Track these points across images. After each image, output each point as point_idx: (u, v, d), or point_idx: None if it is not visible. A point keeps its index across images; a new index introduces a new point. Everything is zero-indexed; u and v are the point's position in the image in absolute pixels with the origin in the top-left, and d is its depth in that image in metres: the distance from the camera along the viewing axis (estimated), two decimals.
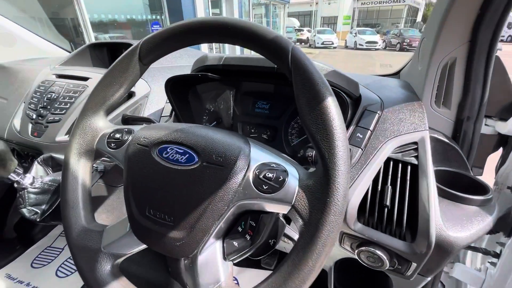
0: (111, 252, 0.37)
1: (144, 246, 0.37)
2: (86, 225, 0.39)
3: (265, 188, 0.31)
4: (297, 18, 26.22)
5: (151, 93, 0.69)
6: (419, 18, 26.39)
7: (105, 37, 6.01)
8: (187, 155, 0.34)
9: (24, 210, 0.56)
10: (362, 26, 24.00)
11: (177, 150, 0.35)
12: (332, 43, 16.50)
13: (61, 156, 0.65)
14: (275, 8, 13.92)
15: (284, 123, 0.63)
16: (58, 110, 0.69)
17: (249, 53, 0.54)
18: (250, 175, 0.32)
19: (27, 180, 0.55)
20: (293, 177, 0.31)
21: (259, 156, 0.34)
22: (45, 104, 0.71)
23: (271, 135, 0.67)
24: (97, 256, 0.37)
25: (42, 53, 1.38)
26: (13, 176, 0.51)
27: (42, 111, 0.70)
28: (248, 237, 0.34)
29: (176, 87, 0.65)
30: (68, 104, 0.69)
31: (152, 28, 6.72)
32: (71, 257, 1.32)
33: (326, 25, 27.18)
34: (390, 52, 14.06)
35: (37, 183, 0.56)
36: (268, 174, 0.31)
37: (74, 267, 1.25)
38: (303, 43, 19.09)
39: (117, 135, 0.41)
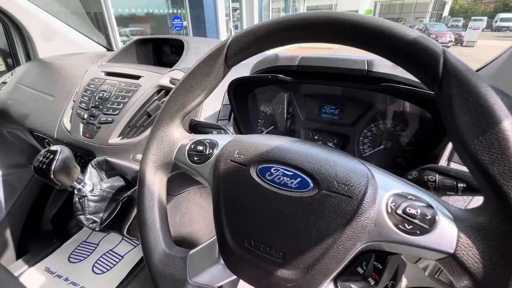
0: (199, 284, 0.33)
1: (235, 277, 0.33)
2: (167, 250, 0.35)
3: (408, 228, 0.25)
4: None
5: None
6: (445, 12, 25.10)
7: (125, 31, 6.08)
8: (299, 179, 0.29)
9: (82, 218, 0.53)
10: None
11: (285, 172, 0.29)
12: None
13: (116, 160, 0.62)
14: (294, 1, 13.64)
15: (358, 132, 0.57)
16: (111, 110, 0.66)
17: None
18: (383, 209, 0.26)
19: (87, 188, 0.52)
20: (444, 215, 0.25)
21: (386, 183, 0.28)
22: (96, 103, 0.68)
23: (340, 143, 0.60)
24: None
25: (80, 48, 1.37)
26: (75, 184, 0.48)
27: (94, 111, 0.67)
28: (373, 282, 0.28)
29: (238, 89, 0.60)
30: (121, 105, 0.65)
31: (173, 22, 6.74)
32: (106, 254, 1.33)
33: None
34: None
35: (96, 190, 0.53)
36: (409, 210, 0.25)
37: (110, 264, 1.25)
38: None
39: (200, 147, 0.36)
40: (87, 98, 0.71)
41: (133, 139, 0.63)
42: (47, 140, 0.83)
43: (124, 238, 1.39)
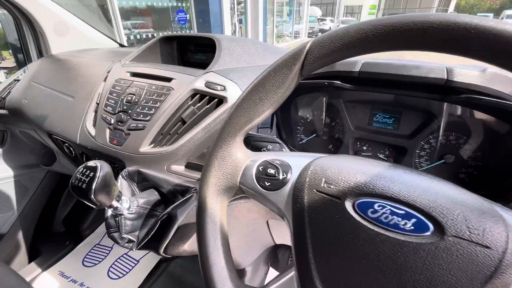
0: None
1: None
2: None
3: None
4: (319, 7, 25.27)
5: None
6: (451, 8, 24.76)
7: (127, 24, 5.97)
8: (414, 219, 0.24)
9: (117, 237, 0.49)
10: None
11: (394, 209, 0.24)
12: None
13: (149, 171, 0.57)
14: None
15: (416, 143, 0.52)
16: (141, 116, 0.61)
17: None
18: None
19: (125, 205, 0.47)
20: None
21: None
22: (124, 107, 0.63)
23: (393, 156, 0.55)
24: None
25: (93, 44, 1.31)
26: (114, 203, 0.44)
27: (122, 116, 0.62)
28: None
29: None
30: (153, 110, 0.60)
31: (178, 16, 6.62)
32: (121, 258, 1.30)
33: (350, 14, 26.09)
34: None
35: (133, 206, 0.48)
36: None
37: (126, 269, 1.21)
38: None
39: (270, 171, 0.32)
40: (113, 101, 0.66)
41: (167, 148, 0.58)
42: (67, 144, 0.78)
43: None
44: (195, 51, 0.85)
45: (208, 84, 0.60)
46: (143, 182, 0.58)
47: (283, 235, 0.80)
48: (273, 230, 0.78)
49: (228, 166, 0.33)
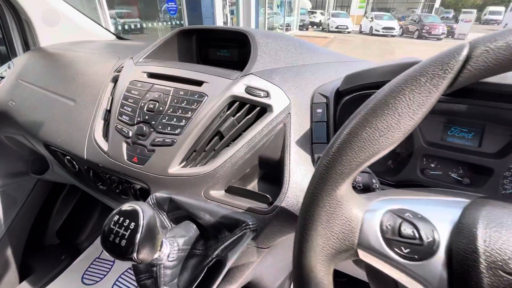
0: None
1: None
2: None
3: None
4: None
5: (292, 108, 0.50)
6: (437, 3, 25.17)
7: (112, 13, 5.63)
8: None
9: (150, 285, 0.39)
10: (376, 10, 23.01)
11: None
12: (347, 28, 15.76)
13: (183, 198, 0.46)
14: None
15: (508, 164, 0.44)
16: (169, 128, 0.50)
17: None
18: None
19: (165, 251, 0.37)
20: None
21: None
22: (146, 117, 0.52)
23: (470, 176, 0.48)
24: None
25: (87, 36, 1.16)
26: (157, 254, 0.33)
27: (143, 128, 0.51)
28: None
29: (351, 103, 0.46)
30: (183, 121, 0.49)
31: (168, 5, 6.32)
32: (126, 272, 1.18)
33: (339, 8, 26.08)
34: (409, 40, 13.44)
35: (173, 251, 0.38)
36: None
37: (133, 286, 1.11)
38: (315, 26, 18.37)
39: (406, 230, 0.22)
40: (130, 109, 0.54)
41: (204, 168, 0.47)
42: (69, 158, 0.66)
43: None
44: (217, 47, 0.74)
45: (249, 90, 0.50)
46: (174, 211, 0.48)
47: None
48: None
49: (339, 221, 0.24)
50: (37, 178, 1.17)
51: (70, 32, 1.11)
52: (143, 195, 0.57)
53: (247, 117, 0.50)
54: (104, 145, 0.56)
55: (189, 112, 0.50)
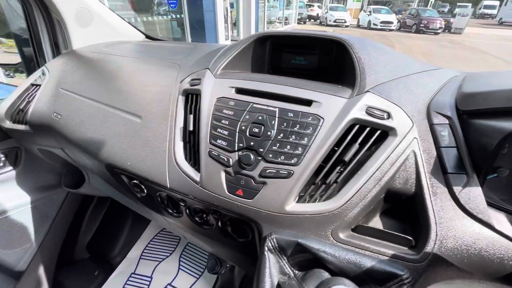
0: None
1: None
2: None
3: None
4: None
5: (415, 130, 0.43)
6: None
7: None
8: None
9: None
10: (373, 4, 22.86)
11: None
12: (345, 21, 15.61)
13: (315, 244, 0.40)
14: None
15: None
16: (282, 157, 0.43)
17: None
18: None
19: None
20: None
21: None
22: (251, 143, 0.45)
23: None
24: None
25: (118, 36, 1.07)
26: None
27: (250, 157, 0.44)
28: None
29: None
30: (299, 149, 0.42)
31: (169, 1, 6.12)
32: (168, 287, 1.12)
33: (336, 1, 25.86)
34: (406, 34, 13.40)
35: None
36: None
37: None
38: (312, 20, 18.18)
39: None
40: (226, 133, 0.47)
41: (328, 205, 0.41)
42: (136, 182, 0.58)
43: (181, 267, 1.18)
44: (292, 53, 0.66)
45: (370, 111, 0.44)
46: (296, 255, 0.42)
47: None
48: None
49: None
50: (67, 191, 1.08)
51: (102, 32, 1.02)
52: (238, 228, 0.50)
53: (370, 141, 0.43)
54: (193, 173, 0.49)
55: (305, 138, 0.43)
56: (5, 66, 1.03)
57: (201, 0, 6.66)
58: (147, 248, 1.26)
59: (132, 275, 1.16)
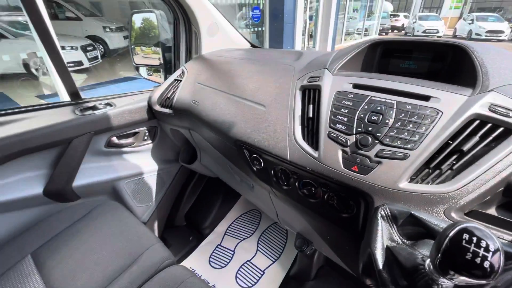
0: None
1: None
2: None
3: None
4: (391, 1, 23.08)
5: None
6: None
7: None
8: None
9: None
10: (477, 11, 19.66)
11: None
12: (437, 31, 13.93)
13: (426, 217, 0.45)
14: None
15: None
16: (399, 142, 0.50)
17: None
18: None
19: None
20: None
21: None
22: (369, 128, 0.53)
23: None
24: None
25: (231, 44, 1.29)
26: None
27: (368, 139, 0.52)
28: None
29: None
30: (417, 136, 0.49)
31: (253, 13, 6.69)
32: (245, 265, 1.27)
33: (427, 9, 23.29)
34: None
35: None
36: None
37: (253, 279, 1.17)
38: (396, 31, 16.84)
39: None
40: (345, 119, 0.57)
41: (442, 188, 0.45)
42: (256, 156, 0.73)
43: (259, 249, 1.31)
44: (401, 58, 0.72)
45: (493, 108, 0.46)
46: (406, 226, 0.48)
47: None
48: None
49: None
50: (179, 165, 1.35)
51: (223, 41, 1.25)
52: (343, 202, 0.59)
53: (492, 136, 0.46)
54: (311, 151, 0.60)
55: (423, 128, 0.49)
56: (149, 66, 1.36)
57: (282, 13, 7.04)
58: (230, 226, 1.44)
59: (218, 246, 1.34)
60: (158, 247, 0.79)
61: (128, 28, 1.32)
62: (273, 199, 0.84)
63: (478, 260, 0.28)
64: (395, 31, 16.90)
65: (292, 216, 0.84)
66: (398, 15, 18.13)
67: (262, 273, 1.20)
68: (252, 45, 1.38)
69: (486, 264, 0.28)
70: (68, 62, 3.51)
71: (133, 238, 0.80)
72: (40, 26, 0.87)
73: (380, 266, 0.44)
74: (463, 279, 0.31)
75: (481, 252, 0.29)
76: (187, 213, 1.49)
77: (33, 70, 4.86)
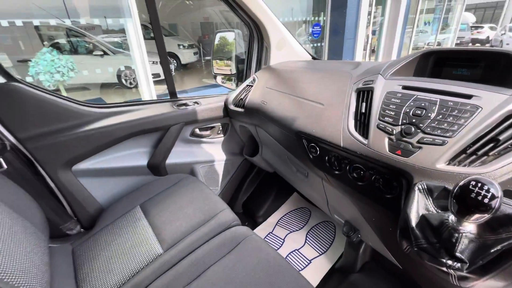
0: None
1: None
2: None
3: None
4: (473, 12, 20.58)
5: None
6: None
7: None
8: None
9: (430, 250, 0.49)
10: None
11: None
12: None
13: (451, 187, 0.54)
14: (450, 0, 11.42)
15: None
16: (439, 131, 0.60)
17: None
18: None
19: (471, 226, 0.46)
20: None
21: None
22: (413, 120, 0.64)
23: None
24: None
25: (295, 56, 1.48)
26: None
27: (411, 128, 0.63)
28: None
29: None
30: (455, 126, 0.58)
31: (313, 29, 6.90)
32: (293, 253, 1.40)
33: None
34: None
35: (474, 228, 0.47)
36: None
37: (299, 266, 1.28)
38: (477, 44, 14.88)
39: None
40: (393, 113, 0.68)
41: (476, 170, 0.54)
42: (313, 144, 0.88)
43: (307, 241, 1.42)
44: (455, 66, 0.79)
45: None
46: (441, 199, 0.57)
47: None
48: None
49: None
50: (242, 158, 1.58)
51: (288, 54, 1.46)
52: (388, 184, 0.69)
53: None
54: (362, 139, 0.73)
55: (462, 120, 0.58)
56: (224, 75, 1.65)
57: (343, 29, 7.06)
58: (281, 218, 1.59)
59: (270, 234, 1.50)
60: (228, 212, 0.99)
61: (212, 45, 1.64)
62: (325, 186, 0.97)
63: (480, 197, 0.39)
64: (477, 44, 14.97)
65: (341, 203, 0.95)
66: (482, 27, 16.04)
67: (309, 262, 1.30)
68: (314, 58, 1.55)
69: (486, 200, 0.38)
70: (153, 74, 4.25)
71: (210, 202, 1.02)
72: (160, 44, 1.21)
73: (413, 225, 0.54)
74: (475, 218, 0.40)
75: (483, 192, 0.39)
76: (244, 202, 1.70)
77: (123, 81, 5.98)
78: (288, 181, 1.35)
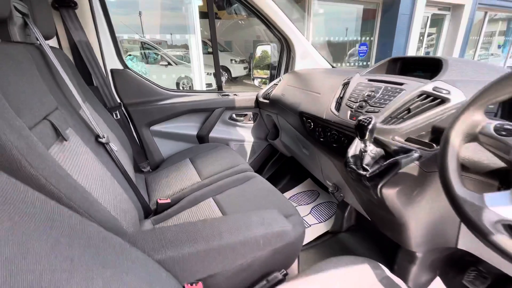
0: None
1: None
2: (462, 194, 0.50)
3: None
4: None
5: None
6: None
7: None
8: None
9: (353, 165, 0.83)
10: None
11: None
12: None
13: (382, 138, 0.86)
14: None
15: None
16: (378, 104, 0.93)
17: None
18: None
19: (369, 148, 0.80)
20: None
21: None
22: (365, 99, 0.98)
23: None
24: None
25: (316, 65, 1.86)
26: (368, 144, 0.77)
27: (362, 104, 0.97)
28: None
29: None
30: (387, 101, 0.90)
31: (359, 49, 7.09)
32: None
33: None
34: None
35: (372, 151, 0.80)
36: None
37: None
38: None
39: (508, 126, 0.50)
40: (356, 95, 1.03)
41: (394, 126, 0.85)
42: (310, 120, 1.25)
43: (311, 212, 1.73)
44: (414, 69, 1.10)
45: (435, 89, 0.83)
46: (376, 142, 0.89)
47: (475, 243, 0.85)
48: (465, 232, 0.85)
49: (468, 123, 0.55)
50: (267, 143, 1.98)
51: (310, 62, 1.85)
52: (350, 140, 1.03)
53: (430, 103, 0.83)
54: (336, 112, 1.08)
55: (392, 97, 0.90)
56: (262, 78, 2.09)
57: (391, 49, 7.08)
58: (293, 196, 1.92)
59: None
60: (244, 164, 1.40)
61: (253, 55, 2.12)
62: (319, 156, 1.32)
63: (365, 123, 0.73)
64: None
65: (330, 169, 1.28)
66: None
67: (308, 225, 1.62)
68: (332, 66, 1.92)
69: (366, 124, 0.73)
70: (206, 84, 5.00)
71: (234, 159, 1.45)
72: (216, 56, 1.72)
73: (349, 156, 0.88)
74: (368, 138, 0.75)
75: (366, 121, 0.73)
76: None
77: (181, 87, 6.97)
78: (299, 160, 1.71)
